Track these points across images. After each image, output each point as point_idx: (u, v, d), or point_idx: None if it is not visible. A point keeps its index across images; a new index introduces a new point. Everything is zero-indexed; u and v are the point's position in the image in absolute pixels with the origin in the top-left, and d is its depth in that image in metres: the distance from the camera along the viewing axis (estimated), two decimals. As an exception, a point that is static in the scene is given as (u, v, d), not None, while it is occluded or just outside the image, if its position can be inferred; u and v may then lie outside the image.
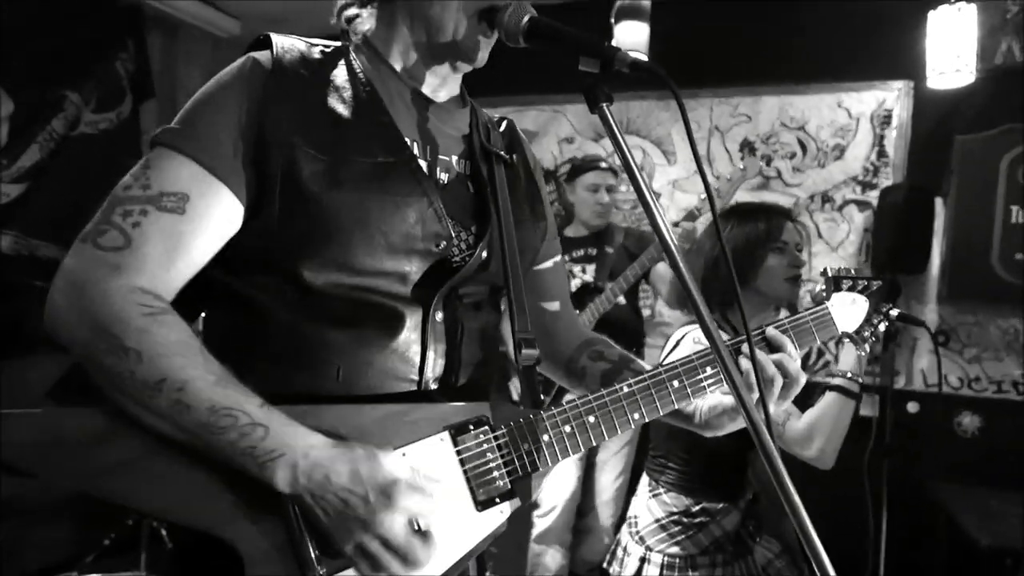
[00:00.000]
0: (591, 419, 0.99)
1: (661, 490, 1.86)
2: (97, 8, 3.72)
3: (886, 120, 3.28)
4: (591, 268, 3.07)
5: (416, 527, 0.84)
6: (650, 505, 1.86)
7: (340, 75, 0.98)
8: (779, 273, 1.82)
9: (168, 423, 0.83)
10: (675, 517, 1.81)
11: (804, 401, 1.75)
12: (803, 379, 1.08)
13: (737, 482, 1.87)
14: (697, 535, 1.79)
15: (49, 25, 3.55)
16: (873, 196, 3.28)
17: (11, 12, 3.39)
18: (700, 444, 1.80)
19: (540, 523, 3.02)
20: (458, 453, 0.94)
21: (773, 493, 0.86)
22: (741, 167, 2.86)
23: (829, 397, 1.70)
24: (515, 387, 2.99)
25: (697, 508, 1.80)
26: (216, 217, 0.89)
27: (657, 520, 1.83)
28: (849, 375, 1.70)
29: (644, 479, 1.94)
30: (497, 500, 0.94)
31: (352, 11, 1.07)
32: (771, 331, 1.12)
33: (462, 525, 0.92)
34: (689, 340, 1.74)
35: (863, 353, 1.32)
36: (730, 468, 1.86)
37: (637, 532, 1.84)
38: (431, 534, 0.86)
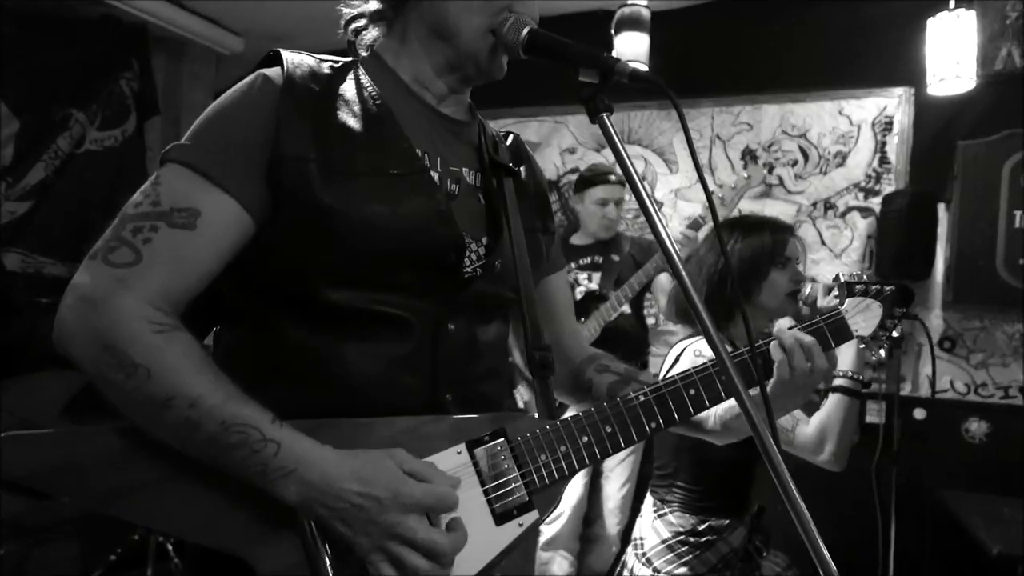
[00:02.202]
0: (608, 429, 0.99)
1: (666, 510, 1.85)
2: (102, 28, 3.76)
3: (887, 127, 3.29)
4: (596, 276, 3.07)
5: (433, 520, 0.85)
6: (656, 526, 1.84)
7: (350, 89, 0.98)
8: (781, 288, 1.83)
9: (179, 440, 0.83)
10: (681, 537, 1.79)
11: (808, 406, 1.75)
12: (826, 368, 1.10)
13: (742, 497, 1.86)
14: (704, 554, 1.78)
15: (54, 45, 3.59)
16: (876, 203, 3.28)
17: (17, 32, 3.42)
18: (705, 462, 1.81)
19: (547, 530, 3.01)
20: (475, 466, 0.93)
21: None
22: (745, 175, 2.87)
23: (833, 399, 1.70)
24: (520, 395, 2.99)
25: (703, 527, 1.79)
26: (227, 232, 0.89)
27: (663, 541, 1.81)
28: (850, 374, 1.69)
29: (648, 499, 1.92)
30: (515, 513, 0.93)
31: (361, 23, 1.08)
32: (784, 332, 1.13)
33: (480, 539, 0.91)
34: (689, 353, 1.74)
35: (876, 358, 1.32)
36: (735, 484, 1.85)
37: (644, 554, 1.83)
38: (454, 523, 0.86)
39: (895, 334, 1.29)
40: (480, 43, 0.99)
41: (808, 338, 1.11)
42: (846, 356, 1.70)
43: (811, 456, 1.70)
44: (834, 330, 1.18)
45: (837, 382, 1.71)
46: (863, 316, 1.26)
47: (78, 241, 3.51)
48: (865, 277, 1.31)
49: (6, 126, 3.44)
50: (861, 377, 1.69)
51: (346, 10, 1.09)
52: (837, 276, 1.32)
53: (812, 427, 1.71)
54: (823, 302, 1.63)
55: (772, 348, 1.12)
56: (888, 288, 1.28)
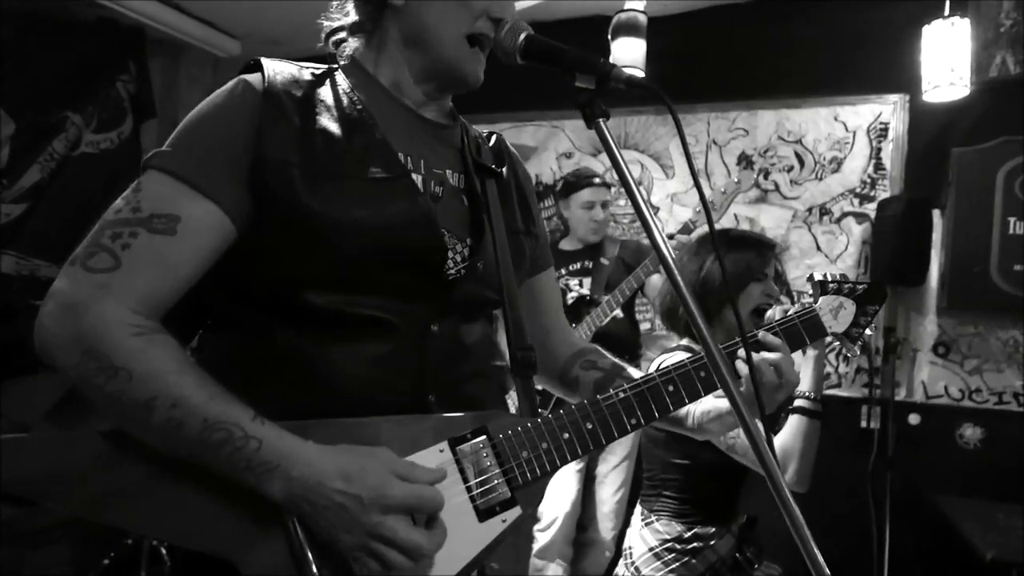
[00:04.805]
0: (588, 425, 1.00)
1: (653, 518, 1.86)
2: (99, 30, 3.76)
3: (882, 133, 3.30)
4: (587, 281, 3.08)
5: (416, 520, 0.86)
6: (643, 534, 1.85)
7: (331, 95, 0.99)
8: (754, 300, 1.83)
9: (163, 441, 0.84)
10: (668, 544, 1.80)
11: (771, 427, 1.75)
12: (797, 379, 1.12)
13: (728, 505, 1.87)
14: (691, 562, 1.78)
15: (51, 47, 3.59)
16: (871, 208, 3.30)
17: (13, 34, 3.42)
18: (693, 470, 1.82)
19: (541, 537, 3.01)
20: (457, 463, 0.94)
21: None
22: (735, 180, 2.88)
23: (792, 420, 1.70)
24: (512, 399, 2.99)
25: (689, 534, 1.80)
26: (207, 238, 0.90)
27: (651, 549, 1.82)
28: (808, 394, 1.68)
29: (637, 509, 1.94)
30: (497, 509, 0.94)
31: (341, 36, 1.09)
32: (763, 334, 1.15)
33: (464, 536, 0.92)
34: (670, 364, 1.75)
35: (852, 355, 1.34)
36: (722, 492, 1.86)
37: (632, 563, 1.84)
38: (436, 521, 0.87)
39: (869, 332, 1.32)
40: (458, 51, 1.00)
41: (767, 365, 1.12)
42: (804, 376, 1.69)
43: None
44: (808, 327, 1.21)
45: (796, 403, 1.70)
46: (837, 314, 1.29)
47: (73, 244, 3.47)
48: (839, 276, 1.33)
49: (2, 128, 3.43)
50: (819, 397, 1.68)
51: (326, 23, 1.10)
52: (811, 275, 1.34)
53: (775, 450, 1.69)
54: None
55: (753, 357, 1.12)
56: (860, 286, 1.30)
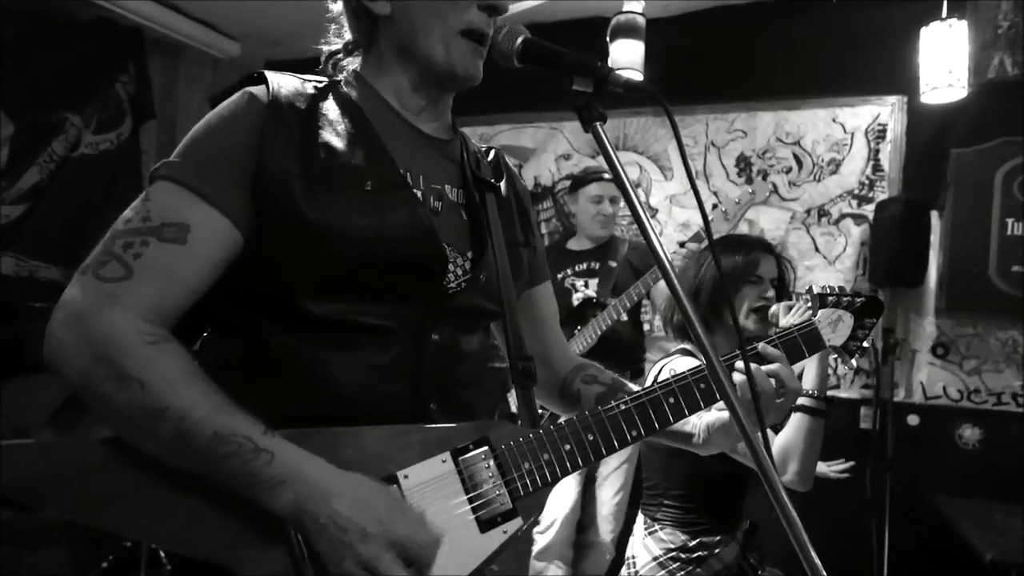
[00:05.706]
0: (590, 437, 1.00)
1: (657, 527, 1.85)
2: (98, 31, 3.76)
3: (881, 134, 3.31)
4: (593, 282, 3.07)
5: (410, 565, 0.84)
6: (647, 543, 1.85)
7: (334, 108, 1.00)
8: (748, 303, 1.83)
9: (170, 451, 0.84)
10: (673, 554, 1.80)
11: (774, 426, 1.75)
12: (800, 388, 1.13)
13: (733, 512, 1.86)
14: (696, 570, 1.77)
15: (50, 48, 3.59)
16: (869, 210, 3.30)
17: (12, 34, 3.42)
18: (695, 479, 1.81)
19: (540, 539, 3.00)
20: (459, 474, 0.94)
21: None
22: (750, 190, 2.88)
23: (794, 419, 1.68)
24: (513, 398, 2.98)
25: (694, 543, 1.79)
26: (216, 246, 0.91)
27: (655, 558, 1.81)
28: (811, 393, 1.67)
29: (640, 517, 1.93)
30: (499, 520, 0.94)
31: (339, 56, 1.10)
32: (763, 346, 1.16)
33: (465, 547, 0.92)
34: (666, 372, 1.75)
35: (849, 368, 1.36)
36: (726, 499, 1.85)
37: (636, 572, 1.83)
38: (427, 572, 0.86)
39: (866, 344, 1.33)
40: (448, 48, 0.99)
41: (765, 376, 1.11)
42: (808, 375, 1.69)
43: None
44: (807, 340, 1.21)
45: (799, 401, 1.68)
46: (835, 327, 1.30)
47: (72, 245, 3.50)
48: (838, 288, 1.35)
49: (1, 129, 3.44)
50: (823, 396, 1.68)
51: (324, 48, 1.11)
52: (810, 288, 1.35)
53: (775, 448, 1.69)
54: (784, 320, 1.66)
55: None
56: (859, 300, 1.32)
